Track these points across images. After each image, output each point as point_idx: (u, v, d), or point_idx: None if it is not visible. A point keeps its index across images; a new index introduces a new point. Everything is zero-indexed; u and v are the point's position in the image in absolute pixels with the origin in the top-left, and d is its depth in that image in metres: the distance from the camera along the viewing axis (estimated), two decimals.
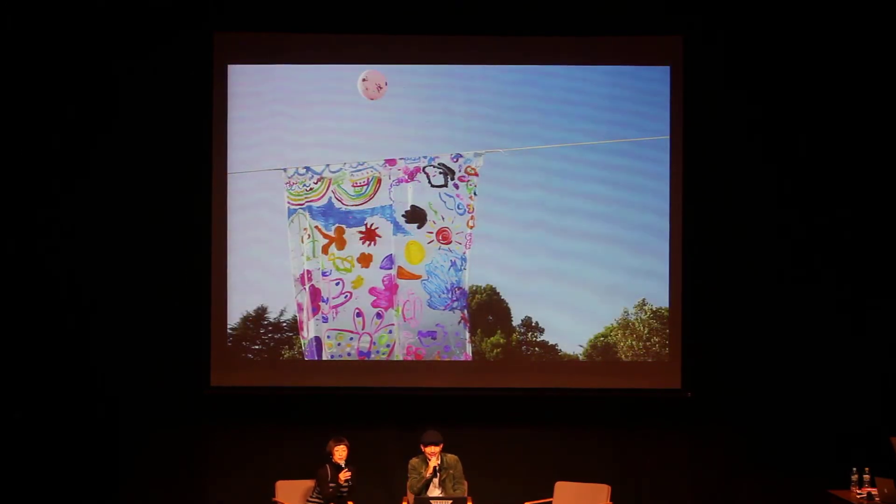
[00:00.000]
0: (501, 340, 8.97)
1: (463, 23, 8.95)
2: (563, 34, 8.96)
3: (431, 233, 8.96)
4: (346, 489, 8.11)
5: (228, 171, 8.91)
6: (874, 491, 7.83)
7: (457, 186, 8.95)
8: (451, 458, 8.15)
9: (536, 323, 8.97)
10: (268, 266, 8.94)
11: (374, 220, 8.96)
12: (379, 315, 8.95)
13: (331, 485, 8.11)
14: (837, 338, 8.98)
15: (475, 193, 8.95)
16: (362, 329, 8.95)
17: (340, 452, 8.15)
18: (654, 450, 9.08)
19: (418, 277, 8.96)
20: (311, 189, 8.95)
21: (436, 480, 8.06)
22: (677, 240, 8.91)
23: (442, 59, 8.98)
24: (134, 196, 8.92)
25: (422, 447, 8.10)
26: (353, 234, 8.97)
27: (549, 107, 8.95)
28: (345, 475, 8.09)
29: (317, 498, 8.19)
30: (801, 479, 8.78)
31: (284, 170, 8.95)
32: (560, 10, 8.95)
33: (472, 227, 8.95)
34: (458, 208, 8.96)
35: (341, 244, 8.97)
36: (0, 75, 8.79)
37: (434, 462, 8.02)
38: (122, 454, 8.91)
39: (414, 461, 8.16)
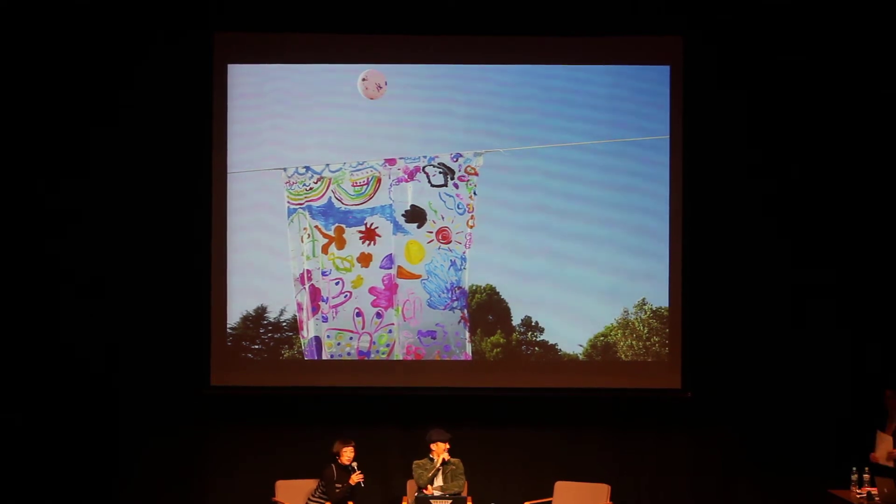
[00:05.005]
0: (501, 340, 8.96)
1: (463, 23, 8.95)
2: (563, 34, 8.96)
3: (431, 232, 8.96)
4: (353, 491, 8.11)
5: (228, 170, 8.91)
6: (874, 491, 7.82)
7: (457, 186, 8.95)
8: (455, 459, 8.27)
9: (536, 323, 8.96)
10: (268, 266, 8.94)
11: (374, 220, 8.96)
12: (379, 315, 8.95)
13: (337, 486, 8.10)
14: (838, 337, 8.97)
15: (475, 193, 8.95)
16: (362, 329, 8.95)
17: (348, 454, 8.16)
18: (654, 450, 9.08)
19: (418, 277, 8.95)
20: (310, 189, 8.95)
21: (440, 473, 8.13)
22: (677, 239, 8.91)
23: (442, 59, 8.97)
24: (134, 196, 8.92)
25: (429, 444, 8.18)
26: (352, 234, 8.96)
27: (549, 107, 8.95)
28: (357, 478, 8.07)
29: (320, 498, 8.18)
30: (801, 479, 8.78)
31: (284, 169, 8.95)
32: (560, 10, 8.94)
33: (471, 227, 8.95)
34: (458, 208, 8.95)
35: (341, 244, 8.97)
36: (1, 75, 8.80)
37: (444, 456, 8.15)
38: (122, 454, 8.91)
39: (417, 462, 8.29)
